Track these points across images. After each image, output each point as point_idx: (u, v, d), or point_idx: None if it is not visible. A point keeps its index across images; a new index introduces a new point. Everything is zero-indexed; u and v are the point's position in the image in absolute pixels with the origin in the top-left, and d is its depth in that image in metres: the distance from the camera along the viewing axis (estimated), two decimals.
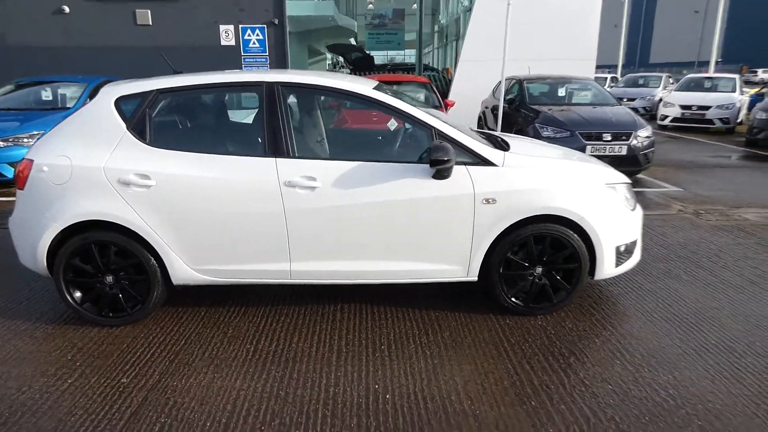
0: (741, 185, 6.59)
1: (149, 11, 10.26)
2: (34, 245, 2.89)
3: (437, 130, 2.90)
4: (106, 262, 2.91)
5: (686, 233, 4.66)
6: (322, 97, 3.66)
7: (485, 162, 2.90)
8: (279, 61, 10.79)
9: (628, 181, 3.30)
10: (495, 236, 2.93)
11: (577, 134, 6.25)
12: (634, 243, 3.22)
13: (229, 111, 3.47)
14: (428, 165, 2.74)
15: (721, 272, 3.76)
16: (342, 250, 2.94)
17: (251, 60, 10.68)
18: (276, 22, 10.43)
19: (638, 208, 3.26)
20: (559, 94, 7.61)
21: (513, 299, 3.08)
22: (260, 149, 2.87)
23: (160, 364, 2.65)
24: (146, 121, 2.87)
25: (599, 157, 6.24)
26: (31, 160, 2.87)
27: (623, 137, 6.27)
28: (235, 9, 10.33)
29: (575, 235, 2.97)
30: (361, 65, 12.20)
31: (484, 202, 2.87)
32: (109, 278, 2.95)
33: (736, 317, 3.07)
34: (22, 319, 3.13)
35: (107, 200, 2.80)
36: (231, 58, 10.58)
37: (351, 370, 2.58)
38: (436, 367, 2.60)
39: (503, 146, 3.21)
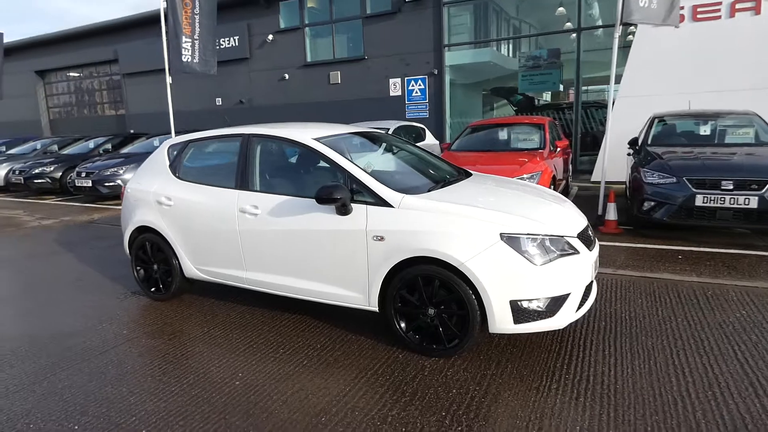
0: None
1: (339, 72, 12.75)
2: (124, 238, 4.52)
3: (349, 173, 3.33)
4: (153, 255, 4.32)
5: (734, 312, 3.48)
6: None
7: (384, 203, 3.17)
8: (437, 106, 11.77)
9: (551, 233, 2.95)
10: (386, 271, 3.13)
11: (684, 181, 5.15)
12: (555, 301, 2.88)
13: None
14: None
15: (696, 359, 2.83)
16: (274, 265, 3.61)
17: (413, 107, 11.98)
18: (435, 72, 11.48)
19: (558, 264, 2.89)
20: (701, 133, 6.24)
21: (409, 334, 3.17)
22: (234, 183, 3.83)
23: (151, 328, 3.82)
24: (178, 161, 4.19)
25: (717, 210, 5.05)
26: (124, 184, 4.53)
27: (753, 186, 4.85)
28: (402, 64, 11.85)
29: (461, 281, 2.91)
30: (523, 105, 12.24)
31: (375, 238, 3.13)
32: (155, 267, 4.34)
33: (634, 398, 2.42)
34: (124, 287, 4.82)
35: (152, 213, 4.20)
36: (398, 107, 12.11)
37: (239, 360, 3.22)
38: (294, 374, 3.01)
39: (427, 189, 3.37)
